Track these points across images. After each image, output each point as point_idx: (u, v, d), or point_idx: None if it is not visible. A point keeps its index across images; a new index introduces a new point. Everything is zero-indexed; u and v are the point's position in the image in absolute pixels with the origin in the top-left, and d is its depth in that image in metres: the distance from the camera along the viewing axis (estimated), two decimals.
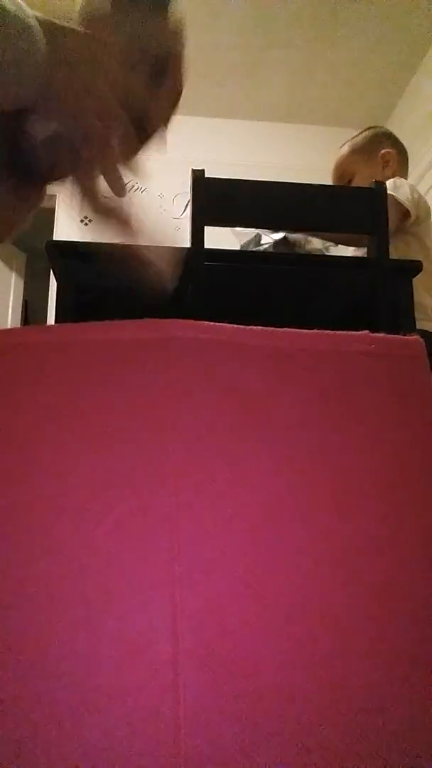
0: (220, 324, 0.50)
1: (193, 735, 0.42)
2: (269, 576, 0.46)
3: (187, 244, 1.30)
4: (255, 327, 0.50)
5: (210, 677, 0.43)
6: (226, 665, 0.44)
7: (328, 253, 1.66)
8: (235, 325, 0.50)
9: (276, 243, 1.57)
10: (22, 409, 0.47)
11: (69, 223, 3.59)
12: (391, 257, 1.31)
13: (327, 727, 0.44)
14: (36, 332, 0.49)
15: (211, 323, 0.49)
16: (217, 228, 1.29)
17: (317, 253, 1.64)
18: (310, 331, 0.50)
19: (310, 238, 1.59)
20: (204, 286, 1.24)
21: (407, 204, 1.58)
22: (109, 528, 0.45)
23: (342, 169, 1.83)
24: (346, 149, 1.85)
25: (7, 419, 0.47)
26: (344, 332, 0.51)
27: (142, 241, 0.49)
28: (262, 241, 1.60)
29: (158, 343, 0.48)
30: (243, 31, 3.17)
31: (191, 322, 0.49)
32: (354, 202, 1.34)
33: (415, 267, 1.40)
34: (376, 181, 1.34)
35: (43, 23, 0.42)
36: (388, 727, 0.45)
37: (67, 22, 0.45)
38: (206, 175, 1.29)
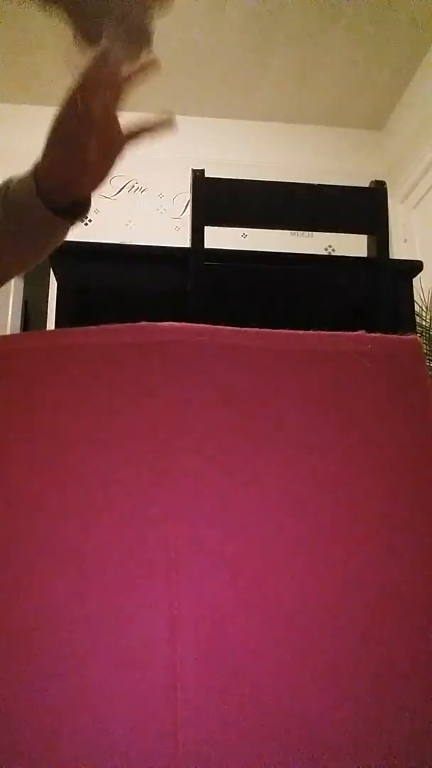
0: (217, 326, 0.50)
1: (192, 736, 0.42)
2: (268, 577, 0.46)
3: (187, 244, 1.30)
4: (251, 329, 0.50)
5: (208, 678, 0.43)
6: (225, 666, 0.44)
7: None
8: (232, 328, 0.50)
9: None
10: (19, 414, 0.48)
11: None
12: None
13: (327, 728, 0.44)
14: (31, 338, 0.50)
15: (208, 326, 0.49)
16: (217, 228, 1.30)
17: None
18: (307, 331, 0.50)
19: None
20: (204, 286, 1.24)
21: None
22: (106, 529, 0.45)
23: None
24: None
25: (3, 424, 0.47)
26: (340, 332, 0.51)
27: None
28: None
29: (154, 346, 0.48)
30: (243, 31, 3.17)
31: (187, 325, 0.49)
32: (354, 202, 1.35)
33: (415, 267, 1.40)
34: (375, 180, 1.34)
35: None
36: (389, 727, 0.45)
37: None
38: (206, 175, 1.29)
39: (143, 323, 0.48)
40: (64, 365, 0.48)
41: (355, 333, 0.51)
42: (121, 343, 0.48)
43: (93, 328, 0.48)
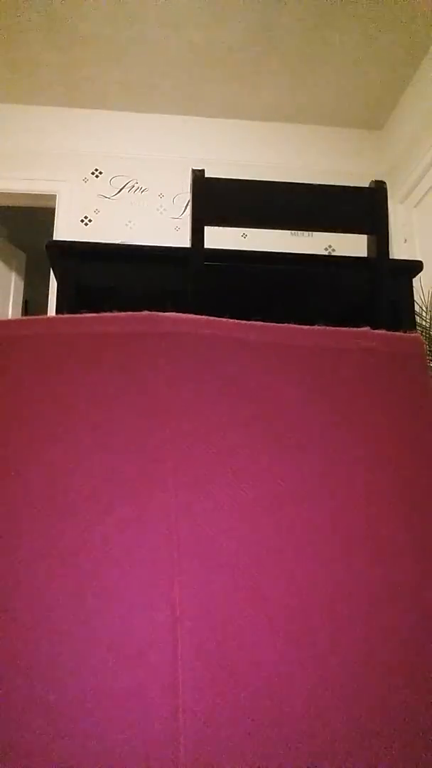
0: (218, 319, 0.49)
1: (193, 735, 0.42)
2: (269, 575, 0.46)
3: (187, 244, 1.30)
4: (253, 322, 0.50)
5: (210, 677, 0.43)
6: (226, 665, 0.44)
7: None
8: (233, 320, 0.50)
9: None
10: (18, 403, 0.47)
11: (69, 223, 3.59)
12: None
13: (327, 726, 0.44)
14: (33, 324, 0.49)
15: (209, 318, 0.49)
16: (217, 228, 1.30)
17: None
18: (310, 327, 0.50)
19: None
20: (203, 286, 1.24)
21: None
22: (108, 527, 0.45)
23: None
24: None
25: (2, 413, 0.47)
26: (344, 329, 0.51)
27: None
28: None
29: (155, 337, 0.47)
30: (243, 31, 3.17)
31: (188, 316, 0.48)
32: (354, 202, 1.34)
33: (415, 267, 1.40)
34: (375, 180, 1.34)
35: None
36: (388, 726, 0.45)
37: None
38: (206, 175, 1.29)
39: (144, 313, 0.48)
40: (67, 353, 0.48)
41: (359, 329, 0.51)
42: (121, 333, 0.48)
43: (92, 316, 0.48)
